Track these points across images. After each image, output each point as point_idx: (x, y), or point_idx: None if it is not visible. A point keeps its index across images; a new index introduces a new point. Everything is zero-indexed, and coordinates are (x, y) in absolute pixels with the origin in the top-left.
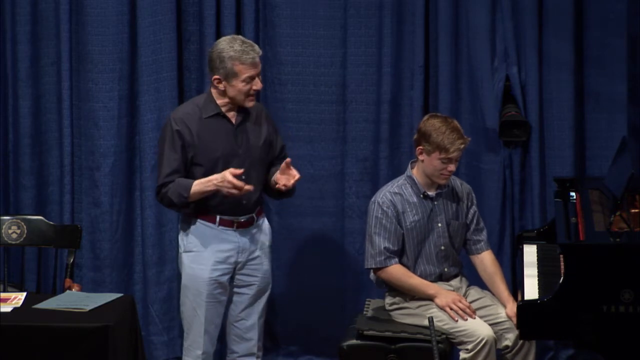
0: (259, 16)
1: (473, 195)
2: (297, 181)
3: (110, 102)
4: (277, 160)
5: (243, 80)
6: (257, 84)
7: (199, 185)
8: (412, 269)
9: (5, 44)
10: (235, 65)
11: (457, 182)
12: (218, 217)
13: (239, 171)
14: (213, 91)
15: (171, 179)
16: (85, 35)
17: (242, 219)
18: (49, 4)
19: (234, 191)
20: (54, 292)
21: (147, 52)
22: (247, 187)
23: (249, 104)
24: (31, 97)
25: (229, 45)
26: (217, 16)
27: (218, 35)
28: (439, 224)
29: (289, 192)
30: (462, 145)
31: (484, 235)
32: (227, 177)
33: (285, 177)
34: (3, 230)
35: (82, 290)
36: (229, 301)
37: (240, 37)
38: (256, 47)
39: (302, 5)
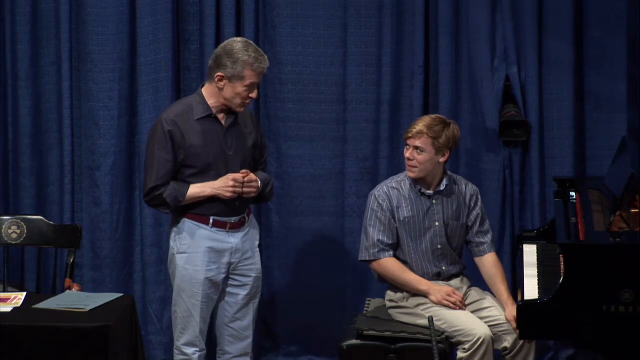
0: (259, 16)
1: (479, 197)
2: (257, 185)
3: (110, 102)
4: (258, 166)
5: (246, 86)
6: (255, 93)
7: (196, 189)
8: (409, 265)
9: (5, 44)
10: (246, 70)
11: (462, 182)
12: (212, 219)
13: (240, 175)
14: (205, 92)
15: (164, 181)
16: (85, 35)
17: (235, 219)
18: (49, 4)
19: (238, 190)
20: (54, 292)
21: (147, 52)
22: (249, 176)
23: (241, 109)
24: (31, 97)
25: (244, 49)
26: (217, 16)
27: (218, 35)
28: (437, 223)
29: (261, 197)
30: (413, 130)
31: (487, 238)
32: (230, 177)
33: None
34: (3, 230)
35: (82, 290)
36: (223, 302)
37: (253, 43)
38: (266, 57)
39: (302, 5)
